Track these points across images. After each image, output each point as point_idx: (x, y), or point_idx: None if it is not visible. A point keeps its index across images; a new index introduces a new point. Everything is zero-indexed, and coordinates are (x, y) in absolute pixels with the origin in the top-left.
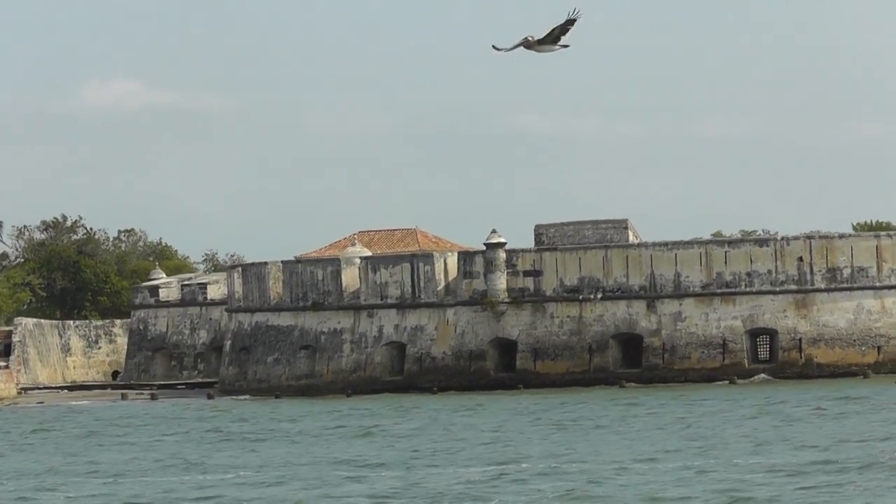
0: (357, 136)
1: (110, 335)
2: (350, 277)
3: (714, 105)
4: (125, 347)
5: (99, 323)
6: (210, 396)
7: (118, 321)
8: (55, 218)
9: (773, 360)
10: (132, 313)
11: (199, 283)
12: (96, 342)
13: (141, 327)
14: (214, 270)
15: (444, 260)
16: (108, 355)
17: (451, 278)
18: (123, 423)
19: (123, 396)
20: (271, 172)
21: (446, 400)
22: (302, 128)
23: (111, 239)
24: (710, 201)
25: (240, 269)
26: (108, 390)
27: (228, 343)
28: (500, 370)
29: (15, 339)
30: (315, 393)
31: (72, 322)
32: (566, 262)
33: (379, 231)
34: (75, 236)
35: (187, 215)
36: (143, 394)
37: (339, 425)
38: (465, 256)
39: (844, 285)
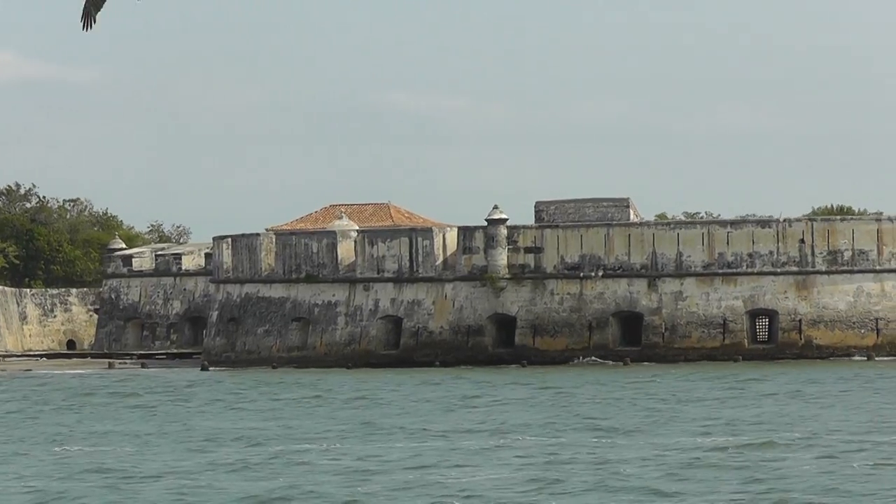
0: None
1: (66, 304)
2: (346, 250)
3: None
4: (81, 317)
5: (55, 292)
6: (204, 367)
7: (74, 290)
8: (8, 186)
9: (773, 340)
10: (103, 282)
11: (173, 253)
12: (52, 311)
13: (113, 296)
14: (160, 241)
15: (444, 235)
16: (63, 324)
17: (449, 253)
18: (230, 393)
19: (111, 365)
20: (166, 147)
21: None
22: (193, 102)
23: (56, 208)
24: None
25: (229, 239)
26: (89, 359)
27: (215, 314)
28: (498, 346)
29: None
30: (307, 365)
31: (28, 290)
32: (567, 240)
33: (351, 205)
34: (28, 204)
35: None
36: (126, 363)
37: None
38: (465, 232)
39: (845, 268)
